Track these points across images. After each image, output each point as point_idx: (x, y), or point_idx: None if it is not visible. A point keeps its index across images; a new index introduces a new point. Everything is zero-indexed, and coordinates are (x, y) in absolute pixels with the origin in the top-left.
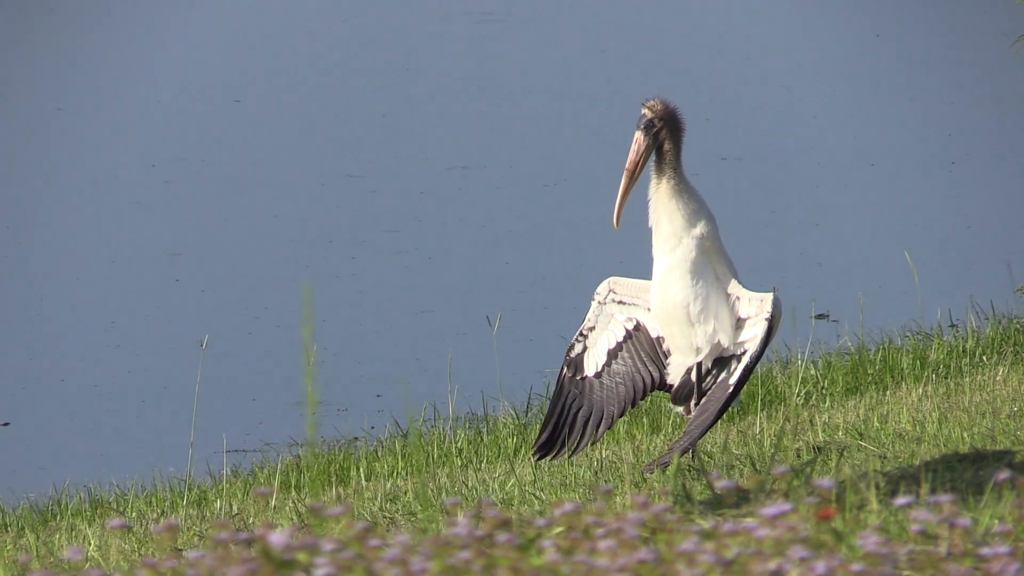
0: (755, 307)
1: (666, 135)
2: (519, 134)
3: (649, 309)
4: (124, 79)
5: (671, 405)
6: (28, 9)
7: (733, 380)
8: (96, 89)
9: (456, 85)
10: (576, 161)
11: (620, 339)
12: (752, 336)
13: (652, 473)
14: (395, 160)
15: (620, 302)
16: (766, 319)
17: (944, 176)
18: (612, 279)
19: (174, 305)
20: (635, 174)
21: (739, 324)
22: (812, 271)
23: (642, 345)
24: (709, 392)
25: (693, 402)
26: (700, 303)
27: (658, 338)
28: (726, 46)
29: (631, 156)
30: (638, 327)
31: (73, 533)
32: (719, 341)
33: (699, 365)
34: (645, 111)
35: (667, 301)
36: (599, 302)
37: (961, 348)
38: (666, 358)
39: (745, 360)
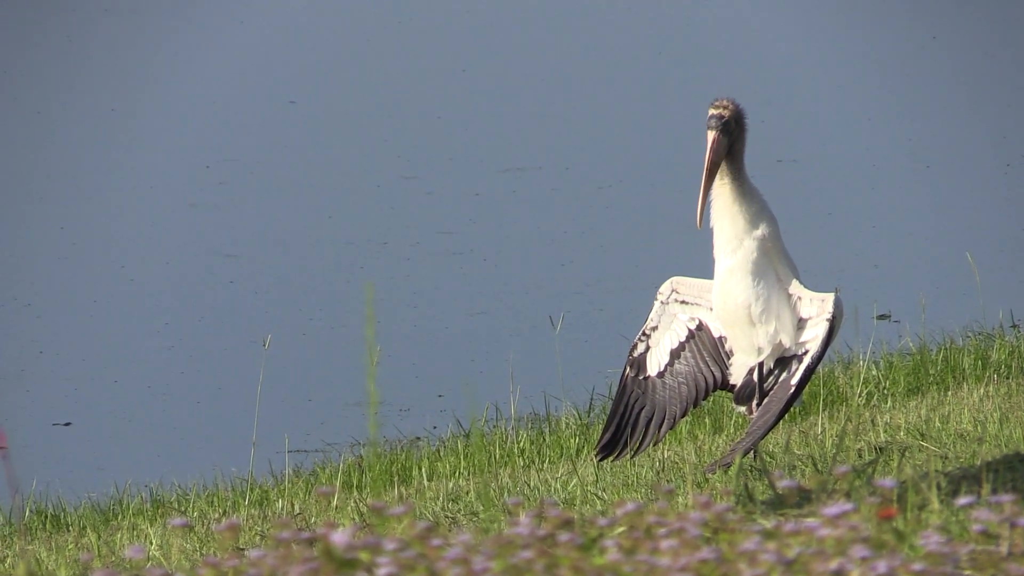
0: (816, 307)
1: (737, 135)
2: (574, 135)
3: (711, 309)
4: (178, 80)
5: (733, 405)
6: (82, 9)
7: (795, 380)
8: (150, 90)
9: (511, 87)
10: (631, 162)
11: (683, 339)
12: (814, 336)
13: (714, 473)
14: (450, 162)
15: (683, 302)
16: (827, 319)
17: (1000, 178)
18: (675, 279)
19: (228, 306)
20: (715, 174)
21: (801, 324)
22: (872, 272)
23: (704, 345)
24: (771, 392)
25: (755, 402)
26: (762, 304)
27: (720, 338)
28: (779, 48)
29: (710, 156)
30: (701, 327)
31: (134, 532)
32: (781, 341)
33: (761, 365)
34: (718, 111)
35: (729, 302)
36: (662, 302)
37: (1023, 348)
38: (728, 358)
39: (807, 360)
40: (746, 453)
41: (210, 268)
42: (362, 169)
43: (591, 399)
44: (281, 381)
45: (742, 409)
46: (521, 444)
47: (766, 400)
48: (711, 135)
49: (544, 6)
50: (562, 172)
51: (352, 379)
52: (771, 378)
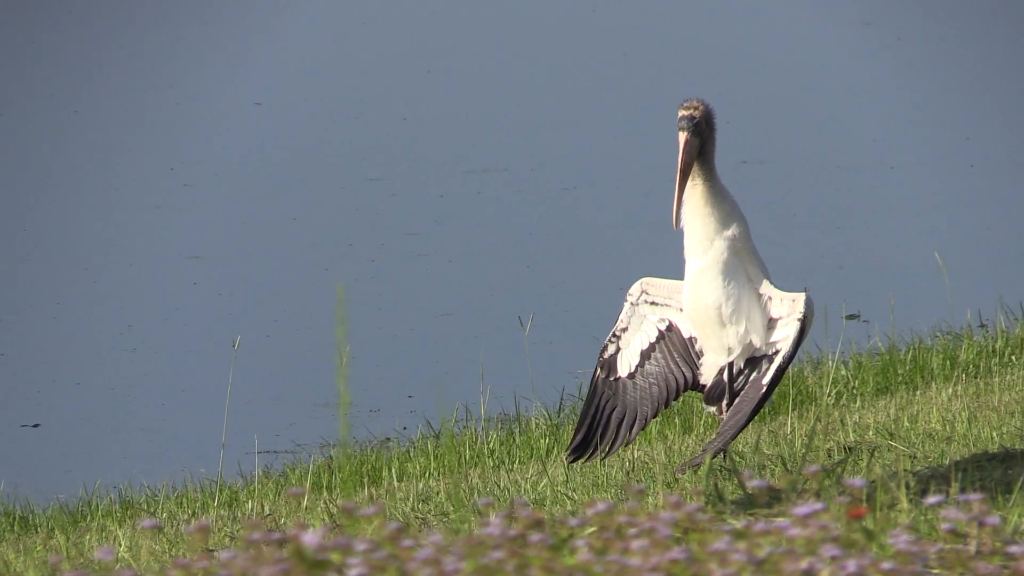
0: (787, 307)
1: (707, 135)
2: (539, 137)
3: (682, 310)
4: (143, 81)
5: (704, 405)
6: (39, 7)
7: (766, 380)
8: (115, 91)
9: (476, 88)
10: (597, 164)
11: (653, 340)
12: (784, 336)
13: (685, 474)
14: (415, 163)
15: (653, 303)
16: (798, 319)
17: (964, 179)
18: (644, 280)
19: (192, 309)
20: (688, 175)
21: (771, 324)
22: (839, 273)
23: (675, 345)
24: (742, 392)
25: (725, 402)
26: (732, 304)
27: (691, 338)
28: (745, 50)
29: (683, 158)
30: (671, 327)
31: (103, 534)
32: (751, 341)
33: (731, 365)
34: (689, 111)
35: (699, 302)
36: (632, 303)
37: (991, 348)
38: (699, 358)
39: (778, 360)
40: (716, 454)
41: (174, 270)
42: (327, 171)
43: (561, 399)
44: (249, 383)
45: (712, 409)
46: (491, 444)
47: (737, 400)
48: (682, 136)
49: (509, 8)
50: (527, 173)
51: (320, 380)
52: (741, 378)
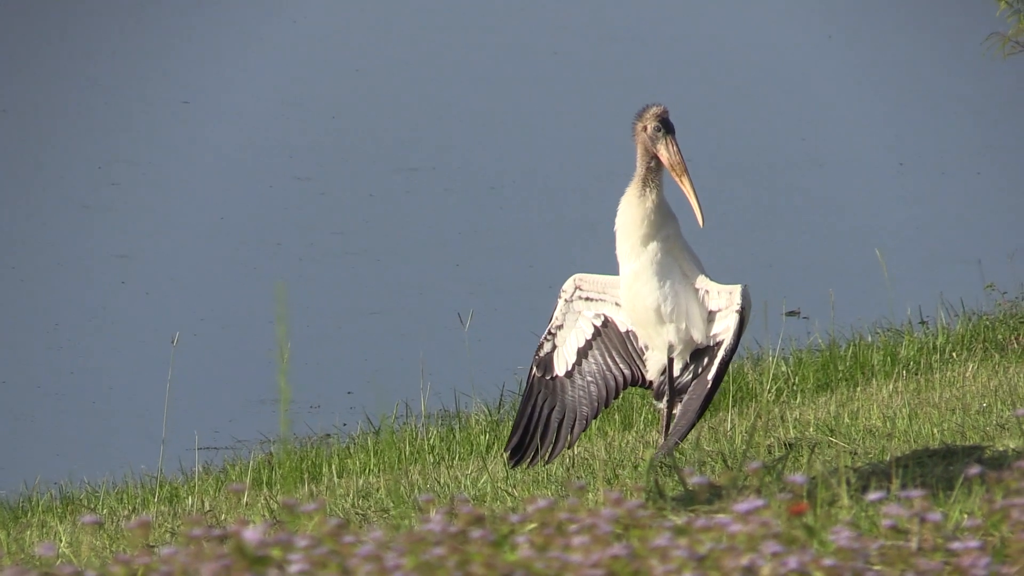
0: (725, 299)
1: None
2: (467, 136)
3: (618, 304)
4: (70, 79)
5: (652, 401)
6: None
7: (711, 376)
8: (40, 90)
9: (404, 87)
10: (524, 162)
11: (589, 336)
12: (724, 328)
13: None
14: (344, 162)
15: (587, 299)
16: (736, 311)
17: (895, 177)
18: (578, 276)
19: (120, 307)
20: (687, 171)
21: (711, 317)
22: (778, 270)
23: (612, 342)
24: (689, 390)
25: (667, 398)
26: (671, 303)
27: (628, 333)
28: (675, 50)
29: (677, 159)
30: (607, 323)
31: (44, 530)
32: (692, 337)
33: (671, 361)
34: (661, 114)
35: (638, 304)
36: (566, 300)
37: (931, 344)
38: (641, 355)
39: (720, 354)
40: (670, 453)
41: (101, 269)
42: (255, 169)
43: (501, 396)
44: (185, 380)
45: (661, 405)
46: (431, 441)
47: (685, 399)
48: (670, 139)
49: (439, 6)
50: (455, 172)
51: (258, 377)
52: (686, 373)
